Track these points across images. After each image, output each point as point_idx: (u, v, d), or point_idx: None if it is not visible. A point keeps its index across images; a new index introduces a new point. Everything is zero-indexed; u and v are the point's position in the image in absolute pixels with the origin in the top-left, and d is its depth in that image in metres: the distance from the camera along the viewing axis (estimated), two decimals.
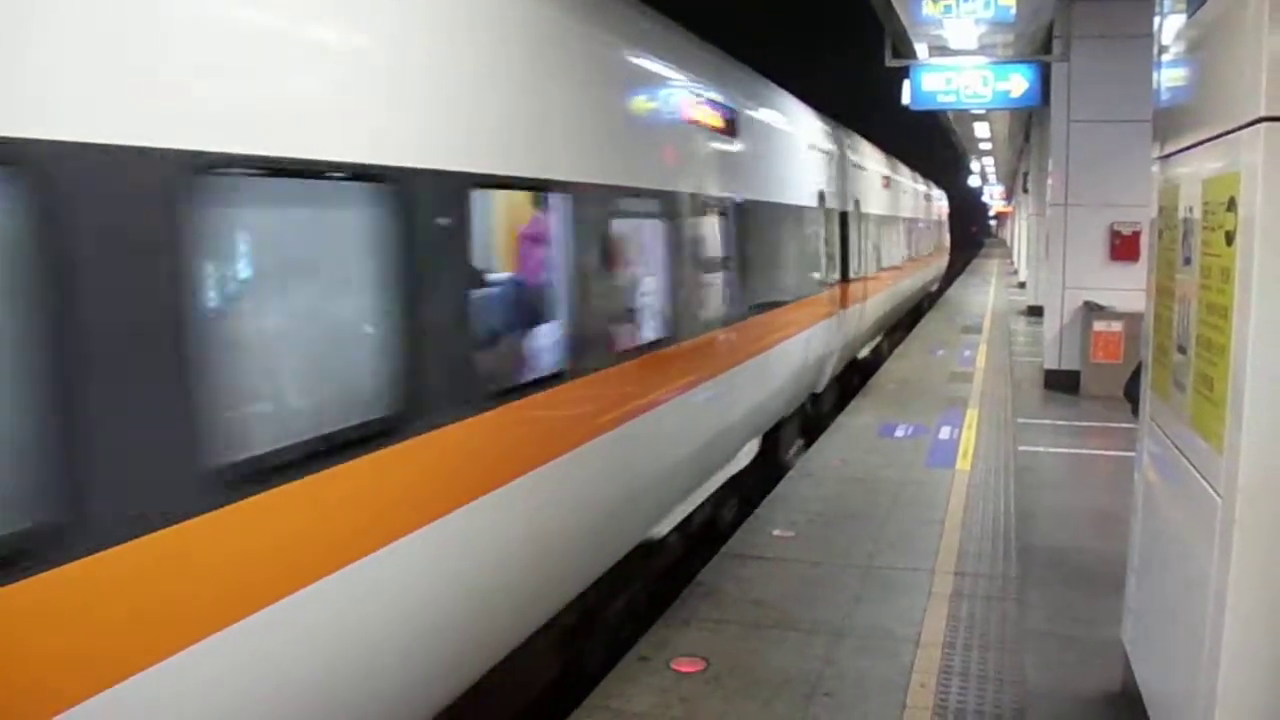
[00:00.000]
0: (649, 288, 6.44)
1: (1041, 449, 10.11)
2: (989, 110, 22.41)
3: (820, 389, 12.80)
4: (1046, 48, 15.72)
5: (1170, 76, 4.80)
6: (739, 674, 5.73)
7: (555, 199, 5.13)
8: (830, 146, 13.17)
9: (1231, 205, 3.46)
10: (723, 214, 7.96)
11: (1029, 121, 27.96)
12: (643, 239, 6.45)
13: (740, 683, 5.62)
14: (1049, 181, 16.85)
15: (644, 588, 7.06)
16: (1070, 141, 14.67)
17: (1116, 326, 13.71)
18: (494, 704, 5.10)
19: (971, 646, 6.02)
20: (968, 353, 18.71)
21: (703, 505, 7.88)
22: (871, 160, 18.12)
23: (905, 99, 16.02)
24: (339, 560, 3.49)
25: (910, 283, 24.24)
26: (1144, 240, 8.73)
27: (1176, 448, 4.22)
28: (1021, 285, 33.78)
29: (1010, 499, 9.03)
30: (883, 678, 5.65)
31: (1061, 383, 14.63)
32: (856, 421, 12.73)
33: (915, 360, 18.25)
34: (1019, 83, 15.19)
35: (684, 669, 5.78)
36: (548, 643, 5.55)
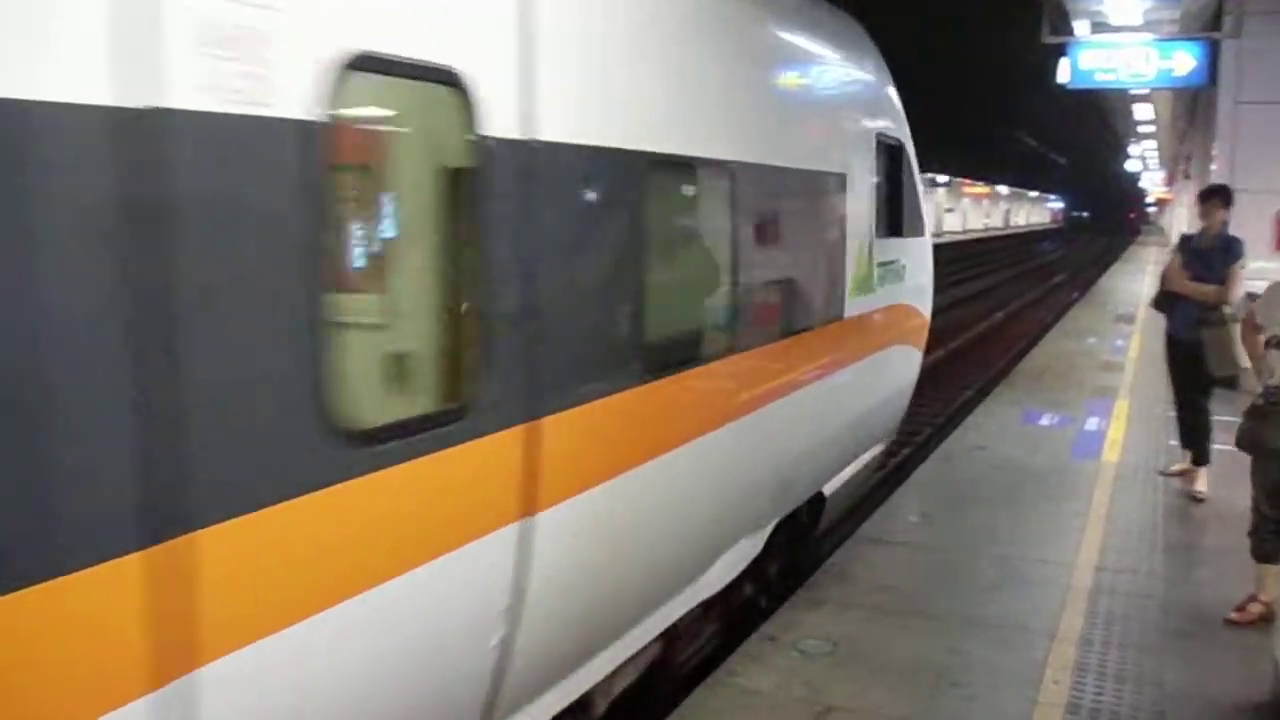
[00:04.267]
0: None
1: None
2: (1153, 90, 21.48)
3: None
4: (1216, 24, 14.99)
5: None
6: (865, 659, 5.67)
7: None
8: None
9: None
10: None
11: (1194, 103, 26.78)
12: None
13: (866, 668, 5.56)
14: (1212, 167, 16.11)
15: (776, 569, 6.96)
16: (1237, 124, 13.97)
17: None
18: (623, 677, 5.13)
19: (1110, 644, 5.83)
20: (1120, 342, 18.07)
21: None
22: None
23: (1061, 78, 15.49)
24: None
25: None
26: None
27: None
28: None
29: (1158, 494, 8.70)
30: (1014, 671, 5.52)
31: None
32: (1000, 408, 12.44)
33: (1064, 348, 17.72)
34: (1184, 61, 14.51)
35: (810, 651, 5.74)
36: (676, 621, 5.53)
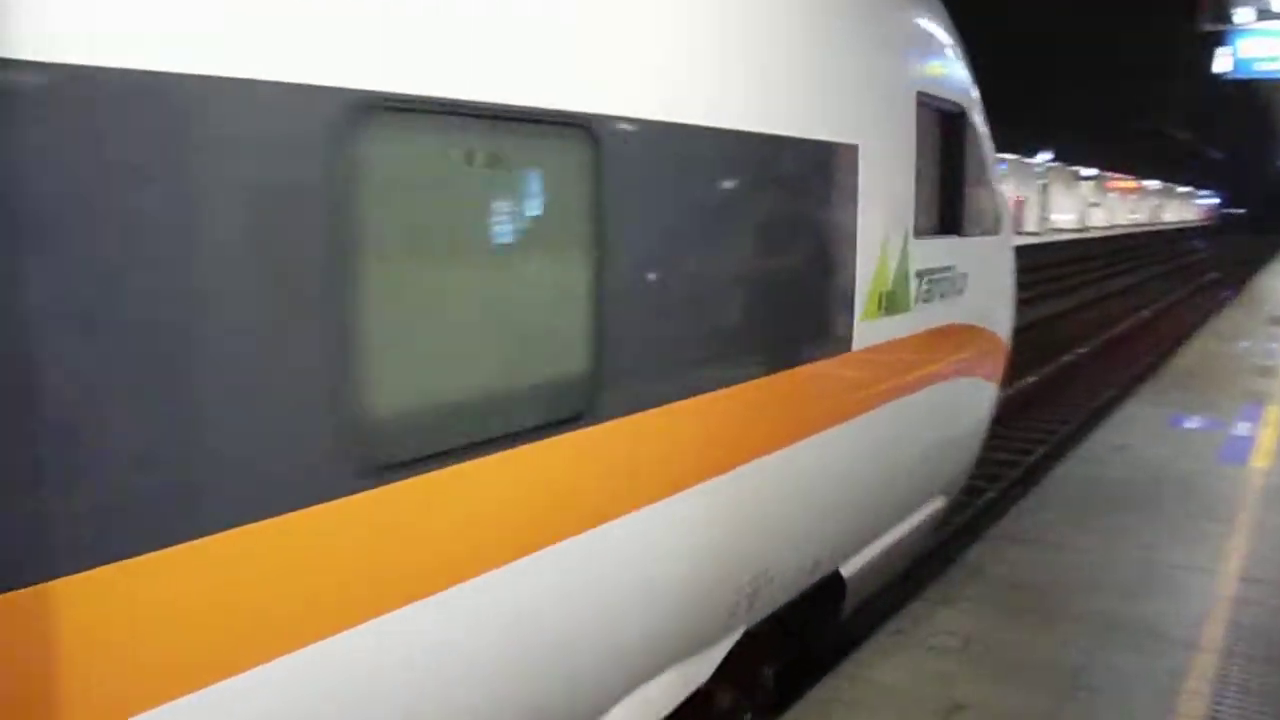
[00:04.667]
0: None
1: None
2: None
3: None
4: None
5: None
6: (996, 657, 5.59)
7: None
8: None
9: None
10: None
11: None
12: None
13: (997, 666, 5.48)
14: None
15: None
16: None
17: None
18: (746, 665, 5.16)
19: (1254, 659, 5.63)
20: (1274, 345, 17.32)
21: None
22: None
23: (1219, 67, 14.90)
24: None
25: None
26: None
27: None
28: None
29: None
30: (1152, 679, 5.37)
31: None
32: (1144, 408, 12.05)
33: (1213, 349, 17.06)
34: None
35: (941, 647, 5.69)
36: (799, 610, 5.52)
